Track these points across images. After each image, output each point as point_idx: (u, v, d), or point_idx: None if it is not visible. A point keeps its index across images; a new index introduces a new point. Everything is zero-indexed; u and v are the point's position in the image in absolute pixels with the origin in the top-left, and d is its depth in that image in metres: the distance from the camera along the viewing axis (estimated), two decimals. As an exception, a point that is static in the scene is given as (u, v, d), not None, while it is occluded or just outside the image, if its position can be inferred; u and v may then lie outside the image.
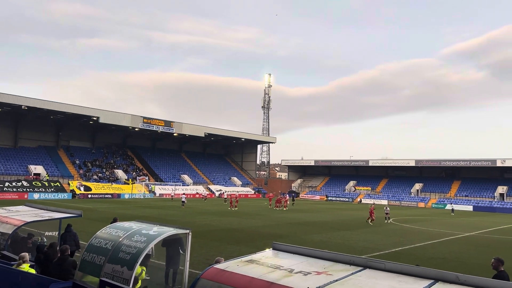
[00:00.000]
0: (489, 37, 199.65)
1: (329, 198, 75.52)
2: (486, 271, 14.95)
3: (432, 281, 4.59)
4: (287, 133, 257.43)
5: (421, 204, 66.91)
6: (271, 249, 6.42)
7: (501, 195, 64.09)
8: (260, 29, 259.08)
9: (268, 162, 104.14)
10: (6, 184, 47.73)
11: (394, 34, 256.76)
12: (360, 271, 5.06)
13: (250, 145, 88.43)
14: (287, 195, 60.59)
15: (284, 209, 44.37)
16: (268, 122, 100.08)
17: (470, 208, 61.34)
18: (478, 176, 70.35)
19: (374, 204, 40.93)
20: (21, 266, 7.65)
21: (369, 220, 32.73)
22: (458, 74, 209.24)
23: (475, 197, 66.05)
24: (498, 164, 64.07)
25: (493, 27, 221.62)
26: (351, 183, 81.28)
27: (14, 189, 47.39)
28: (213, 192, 69.02)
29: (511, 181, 66.90)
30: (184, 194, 48.62)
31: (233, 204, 43.56)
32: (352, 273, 4.96)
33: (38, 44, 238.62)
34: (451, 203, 58.59)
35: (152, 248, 8.92)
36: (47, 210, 12.53)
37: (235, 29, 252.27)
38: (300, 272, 5.11)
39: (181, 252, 9.13)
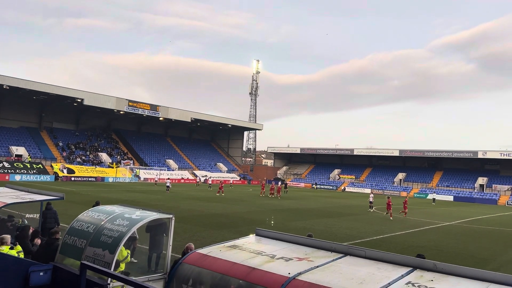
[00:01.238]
0: (479, 30, 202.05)
1: (318, 186, 75.93)
2: (464, 259, 15.38)
3: (410, 268, 4.68)
4: (274, 120, 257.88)
5: (404, 194, 68.07)
6: (254, 235, 6.46)
7: (481, 186, 65.62)
8: (252, 14, 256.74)
9: (254, 149, 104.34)
10: (-13, 165, 46.83)
11: (385, 25, 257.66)
12: (340, 258, 5.13)
13: (236, 132, 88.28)
14: (279, 183, 60.51)
15: (271, 196, 44.19)
16: (255, 109, 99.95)
17: (451, 198, 62.69)
18: (460, 167, 71.81)
19: (390, 197, 33.49)
20: (0, 248, 7.54)
21: (389, 213, 29.64)
22: (447, 66, 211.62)
23: (456, 187, 67.49)
24: (480, 155, 65.44)
25: (484, 20, 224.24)
26: (336, 171, 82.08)
27: (-5, 170, 46.53)
28: (199, 178, 68.93)
29: (491, 172, 68.49)
30: (168, 179, 48.40)
31: (221, 189, 43.57)
32: (333, 260, 5.03)
33: (23, 22, 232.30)
34: (432, 193, 59.74)
35: (135, 231, 8.89)
36: (28, 192, 12.33)
37: (226, 14, 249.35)
38: (282, 258, 5.15)
39: (165, 236, 9.11)
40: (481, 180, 66.27)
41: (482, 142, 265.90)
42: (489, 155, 64.88)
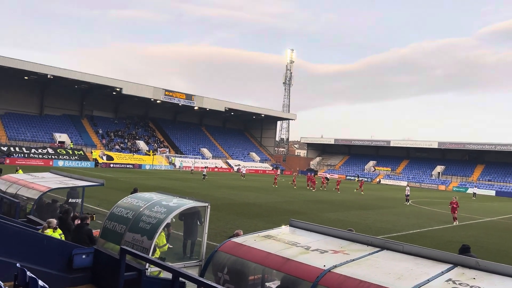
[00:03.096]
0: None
1: (355, 178, 74.83)
2: (506, 256, 14.75)
3: (451, 265, 4.54)
4: (309, 110, 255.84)
5: (442, 187, 65.95)
6: (288, 225, 6.45)
7: (526, 181, 62.48)
8: (292, 3, 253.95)
9: (287, 138, 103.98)
10: (33, 150, 49.30)
11: (431, 13, 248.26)
12: (377, 252, 5.04)
13: (269, 121, 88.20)
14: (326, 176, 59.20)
15: (313, 189, 40.65)
16: (289, 99, 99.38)
17: (492, 192, 60.14)
18: (504, 161, 68.51)
19: (456, 197, 26.53)
20: (45, 231, 7.94)
21: (454, 218, 23.79)
22: (495, 54, 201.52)
23: (499, 182, 64.58)
24: (525, 149, 62.19)
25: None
26: (371, 163, 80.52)
27: (40, 156, 48.93)
28: (232, 167, 69.60)
29: (537, 167, 65.01)
30: (206, 167, 48.97)
31: (277, 181, 42.97)
32: (370, 254, 4.95)
33: (70, 14, 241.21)
34: (473, 187, 57.50)
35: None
36: (71, 177, 12.90)
37: (266, 3, 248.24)
38: (316, 250, 5.12)
39: (198, 223, 9.27)
40: (526, 175, 63.08)
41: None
42: (535, 149, 61.54)
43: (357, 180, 51.25)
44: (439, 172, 71.59)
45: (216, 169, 65.27)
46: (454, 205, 24.02)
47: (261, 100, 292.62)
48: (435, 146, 72.48)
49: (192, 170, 57.38)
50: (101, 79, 55.89)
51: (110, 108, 68.78)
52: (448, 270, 4.43)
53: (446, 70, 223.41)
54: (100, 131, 62.93)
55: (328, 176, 53.16)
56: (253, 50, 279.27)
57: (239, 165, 69.63)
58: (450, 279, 4.17)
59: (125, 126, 68.42)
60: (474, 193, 51.86)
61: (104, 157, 54.99)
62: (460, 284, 4.04)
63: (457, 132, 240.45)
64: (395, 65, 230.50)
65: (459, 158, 74.36)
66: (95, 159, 53.81)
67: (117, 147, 60.58)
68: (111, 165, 53.88)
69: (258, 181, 47.57)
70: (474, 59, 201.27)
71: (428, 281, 4.12)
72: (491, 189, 61.29)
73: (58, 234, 8.21)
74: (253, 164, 73.93)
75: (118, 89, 57.93)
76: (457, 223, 23.45)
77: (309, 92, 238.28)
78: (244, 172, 55.95)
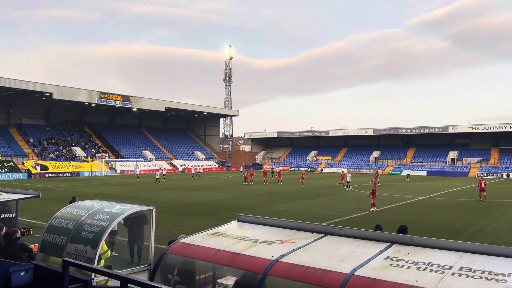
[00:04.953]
0: (455, 7, 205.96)
1: (303, 169, 76.59)
2: (438, 231, 16.00)
3: (388, 244, 4.86)
4: (253, 105, 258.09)
5: (379, 171, 69.62)
6: (236, 221, 6.53)
7: (452, 159, 67.82)
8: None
9: (232, 135, 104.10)
10: (-46, 166, 45.11)
11: (364, 6, 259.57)
12: (321, 237, 5.27)
13: (212, 119, 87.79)
14: (279, 167, 60.21)
15: (280, 183, 41.66)
16: (230, 95, 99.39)
17: (424, 173, 64.62)
18: (432, 143, 73.89)
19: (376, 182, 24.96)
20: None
21: (371, 203, 22.27)
22: (423, 44, 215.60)
23: (429, 162, 69.53)
24: (450, 130, 67.45)
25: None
26: (313, 153, 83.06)
27: (-37, 171, 44.90)
28: (177, 167, 68.45)
29: (461, 146, 70.83)
30: (158, 170, 47.40)
31: (249, 179, 41.09)
32: (314, 240, 5.17)
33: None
34: (406, 169, 61.36)
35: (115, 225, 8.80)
36: (1, 191, 12.01)
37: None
38: (264, 241, 5.25)
39: (144, 228, 9.06)
40: (452, 154, 68.46)
41: (454, 117, 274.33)
42: (459, 130, 66.95)
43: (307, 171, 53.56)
44: (375, 157, 75.58)
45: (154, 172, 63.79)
46: (373, 190, 22.07)
47: (204, 98, 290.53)
48: (371, 133, 76.47)
49: (137, 174, 54.79)
50: (28, 84, 52.27)
51: (41, 115, 64.65)
52: (386, 248, 4.74)
53: (380, 60, 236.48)
54: (32, 140, 58.96)
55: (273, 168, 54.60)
56: (193, 47, 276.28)
57: (184, 165, 68.62)
58: (388, 257, 4.47)
59: (59, 133, 64.67)
60: (408, 175, 55.35)
61: (38, 167, 51.66)
62: (397, 260, 4.35)
63: (392, 119, 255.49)
64: (333, 58, 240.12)
65: (393, 143, 79.03)
66: (28, 170, 50.39)
67: (51, 155, 57.14)
68: (46, 175, 50.77)
69: (204, 180, 47.25)
70: (404, 49, 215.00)
71: (369, 260, 4.39)
72: (423, 170, 65.84)
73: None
74: (198, 163, 73.20)
75: (48, 94, 54.53)
76: (374, 209, 21.78)
77: (251, 87, 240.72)
78: (200, 171, 55.48)
